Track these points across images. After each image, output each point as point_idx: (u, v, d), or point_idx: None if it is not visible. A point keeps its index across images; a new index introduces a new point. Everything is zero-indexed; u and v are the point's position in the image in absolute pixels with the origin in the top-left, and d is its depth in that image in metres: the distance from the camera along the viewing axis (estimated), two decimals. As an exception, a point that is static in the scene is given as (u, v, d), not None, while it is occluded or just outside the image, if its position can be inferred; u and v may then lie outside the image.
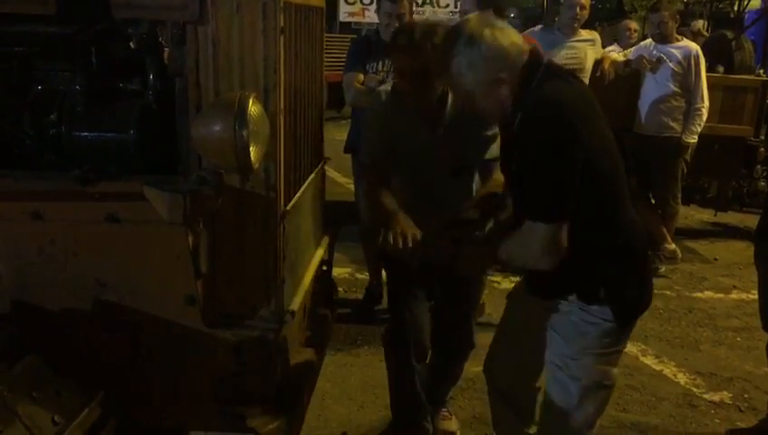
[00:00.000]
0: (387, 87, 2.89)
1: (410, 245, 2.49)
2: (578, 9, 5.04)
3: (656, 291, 5.53)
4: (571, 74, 2.34)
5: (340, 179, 5.73)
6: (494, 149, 2.75)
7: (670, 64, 5.44)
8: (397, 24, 4.18)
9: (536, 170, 2.07)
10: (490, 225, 2.63)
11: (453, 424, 3.33)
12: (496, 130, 2.73)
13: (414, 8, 5.00)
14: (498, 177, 2.65)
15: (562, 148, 2.03)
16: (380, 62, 4.21)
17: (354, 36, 6.70)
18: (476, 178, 2.91)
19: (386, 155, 2.81)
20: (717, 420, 3.60)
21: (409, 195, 2.80)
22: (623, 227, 2.26)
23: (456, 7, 14.21)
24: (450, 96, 2.70)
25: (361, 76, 4.18)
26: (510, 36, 2.10)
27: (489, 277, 5.08)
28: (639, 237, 2.32)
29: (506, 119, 2.18)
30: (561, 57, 4.96)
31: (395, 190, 2.81)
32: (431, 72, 2.53)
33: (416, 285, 2.95)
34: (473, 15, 2.18)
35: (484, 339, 4.20)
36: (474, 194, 2.90)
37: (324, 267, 3.09)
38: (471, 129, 2.72)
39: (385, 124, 2.78)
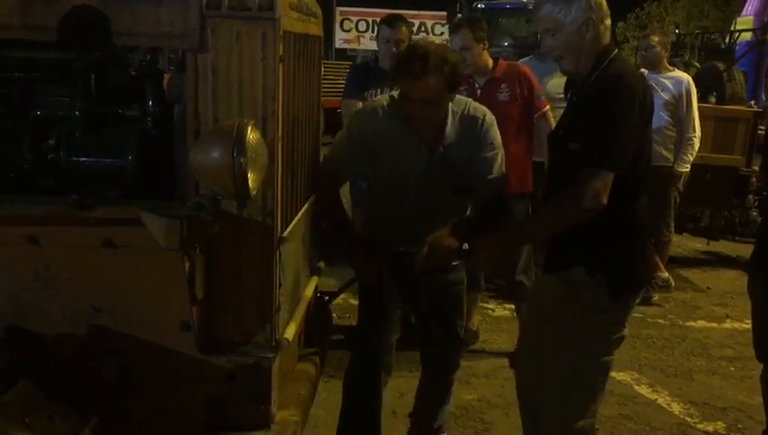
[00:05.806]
0: (383, 100, 2.89)
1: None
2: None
3: (649, 320, 5.53)
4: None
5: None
6: (496, 169, 2.80)
7: (662, 95, 5.49)
8: (394, 50, 4.22)
9: (603, 120, 2.26)
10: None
11: (447, 453, 3.32)
12: (496, 150, 2.81)
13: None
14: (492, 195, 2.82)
15: (631, 107, 2.28)
16: (379, 89, 4.24)
17: (351, 62, 6.75)
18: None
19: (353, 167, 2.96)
20: (711, 451, 3.61)
21: (401, 212, 2.85)
22: (638, 204, 2.44)
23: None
24: (450, 118, 2.77)
25: (360, 103, 4.20)
26: None
27: (481, 304, 5.09)
28: (647, 216, 2.51)
29: (577, 77, 2.44)
30: (553, 86, 5.01)
31: (379, 209, 2.94)
32: (442, 98, 2.66)
33: (389, 306, 3.00)
34: None
35: (477, 367, 4.22)
36: (467, 213, 2.96)
37: (319, 294, 3.09)
38: (470, 150, 2.79)
39: (367, 140, 2.81)
